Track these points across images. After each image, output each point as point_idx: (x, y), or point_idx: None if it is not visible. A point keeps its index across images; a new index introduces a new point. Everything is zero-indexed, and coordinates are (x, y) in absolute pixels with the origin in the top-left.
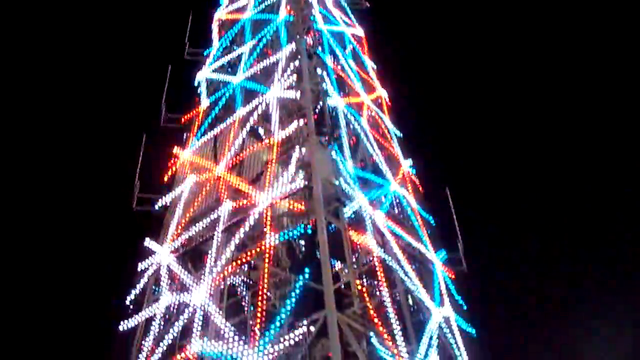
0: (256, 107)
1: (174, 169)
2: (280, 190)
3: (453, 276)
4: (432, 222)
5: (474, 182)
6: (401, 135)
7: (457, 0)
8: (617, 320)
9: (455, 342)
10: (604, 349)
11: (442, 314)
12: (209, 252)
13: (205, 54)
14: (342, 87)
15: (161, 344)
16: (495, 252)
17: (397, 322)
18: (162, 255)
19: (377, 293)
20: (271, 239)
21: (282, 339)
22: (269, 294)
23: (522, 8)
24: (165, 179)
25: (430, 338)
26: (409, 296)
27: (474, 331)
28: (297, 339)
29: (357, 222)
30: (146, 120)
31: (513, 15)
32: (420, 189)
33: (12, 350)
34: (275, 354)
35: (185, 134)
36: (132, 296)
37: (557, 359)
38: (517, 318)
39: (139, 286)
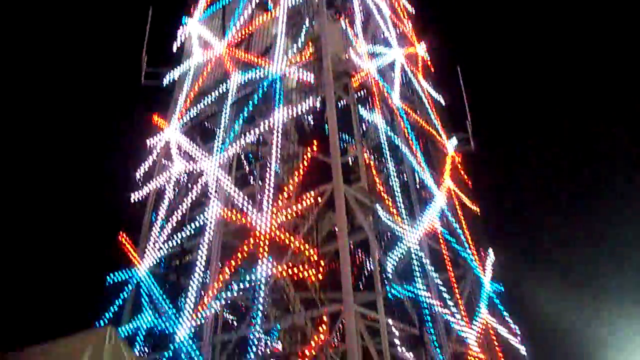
0: None
1: (181, 41)
2: (289, 62)
3: (460, 156)
4: (442, 101)
5: (485, 63)
6: (413, 11)
7: None
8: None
9: (457, 219)
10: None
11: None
12: (218, 125)
13: None
14: None
15: (172, 215)
16: (504, 134)
17: (402, 197)
18: (170, 130)
19: (384, 169)
20: (280, 114)
21: (289, 210)
22: (277, 167)
23: None
24: (174, 50)
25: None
26: (416, 173)
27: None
28: (303, 210)
29: (366, 98)
30: None
31: None
32: (432, 69)
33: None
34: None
35: (192, 5)
36: (142, 170)
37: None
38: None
39: (149, 160)
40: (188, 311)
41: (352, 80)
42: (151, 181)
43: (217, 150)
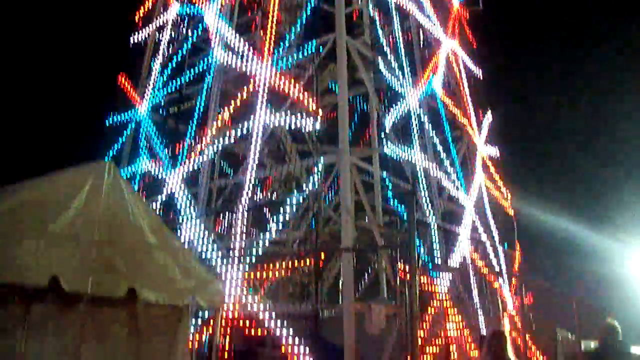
0: None
1: None
2: None
3: (467, 14)
4: None
5: None
6: None
7: None
8: None
9: (460, 77)
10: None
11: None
12: None
13: None
14: None
15: (172, 59)
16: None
17: (407, 54)
18: None
19: (389, 25)
20: None
21: (290, 57)
22: (279, 15)
23: None
24: None
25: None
26: (420, 30)
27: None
28: (304, 61)
29: None
30: None
31: None
32: None
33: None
34: (283, 72)
35: None
36: (141, 11)
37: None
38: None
39: (149, 2)
40: (183, 156)
41: None
42: (151, 24)
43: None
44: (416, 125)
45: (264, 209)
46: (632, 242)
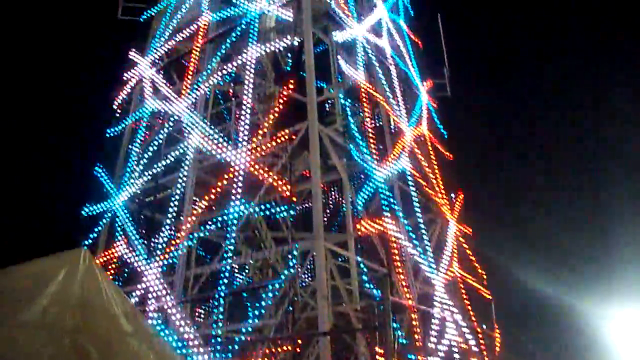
0: None
1: None
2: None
3: (435, 103)
4: (420, 46)
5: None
6: None
7: None
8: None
9: (430, 163)
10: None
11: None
12: (193, 62)
13: None
14: None
15: (148, 149)
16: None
17: (377, 140)
18: (145, 66)
19: (360, 112)
20: (256, 50)
21: (263, 147)
22: (253, 105)
23: None
24: None
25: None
26: (391, 117)
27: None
28: (278, 149)
29: (347, 45)
30: None
31: None
32: (411, 13)
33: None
34: (257, 161)
35: None
36: (118, 103)
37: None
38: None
39: (125, 94)
40: (161, 247)
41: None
42: (127, 115)
43: (193, 87)
44: (389, 208)
45: (241, 296)
46: (613, 307)
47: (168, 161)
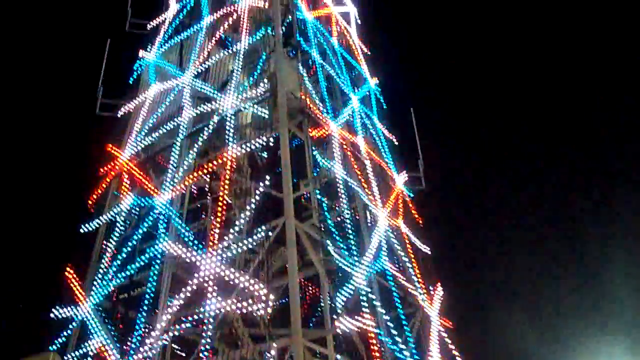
0: (224, 15)
1: (138, 73)
2: (244, 98)
3: (409, 196)
4: (395, 141)
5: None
6: (368, 52)
7: None
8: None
9: (406, 254)
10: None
11: (390, 221)
12: (171, 158)
13: None
14: (313, 1)
15: (123, 247)
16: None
17: (354, 234)
18: (123, 161)
19: (336, 207)
20: (233, 150)
21: (240, 244)
22: (229, 201)
23: None
24: (130, 82)
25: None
26: (367, 211)
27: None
28: (255, 245)
29: (320, 139)
30: (111, 26)
31: None
32: (384, 107)
33: None
34: (233, 259)
35: (150, 40)
36: (93, 198)
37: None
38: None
39: (101, 190)
40: (135, 345)
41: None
42: (102, 212)
43: (169, 184)
44: (367, 303)
45: None
46: None
47: (143, 258)
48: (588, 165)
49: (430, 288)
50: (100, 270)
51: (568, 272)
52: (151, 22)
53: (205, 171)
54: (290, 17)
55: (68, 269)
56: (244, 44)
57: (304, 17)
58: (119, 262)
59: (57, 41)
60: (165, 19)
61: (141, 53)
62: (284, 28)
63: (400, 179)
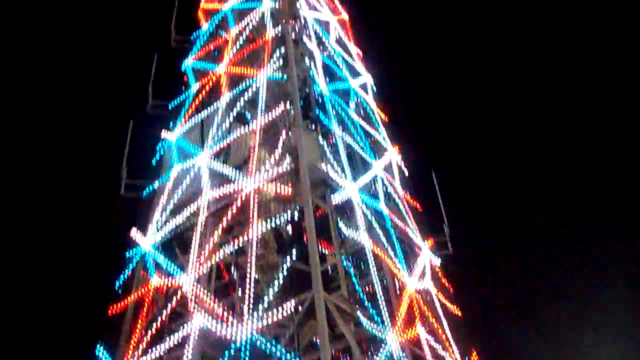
0: (243, 92)
1: (161, 154)
2: (266, 174)
3: (438, 262)
4: (419, 205)
5: (460, 166)
6: (387, 119)
7: None
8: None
9: (439, 323)
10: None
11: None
12: (196, 236)
13: (191, 39)
14: (329, 73)
15: (151, 327)
16: (482, 236)
17: (384, 304)
18: (147, 244)
19: (365, 276)
20: (258, 228)
21: (269, 319)
22: (256, 277)
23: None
24: (153, 163)
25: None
26: (395, 279)
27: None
28: (284, 320)
29: (344, 207)
30: (133, 107)
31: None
32: (406, 172)
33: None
34: (263, 334)
35: (172, 120)
36: (119, 282)
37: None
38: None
39: (126, 273)
40: None
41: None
42: (129, 294)
43: (196, 262)
44: None
45: None
46: None
47: (173, 337)
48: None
49: (465, 354)
50: (130, 351)
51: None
52: (172, 102)
53: (231, 248)
54: (307, 89)
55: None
56: (263, 119)
57: (320, 91)
58: (148, 341)
59: (82, 124)
60: (186, 98)
61: (163, 134)
62: (301, 102)
63: (426, 246)
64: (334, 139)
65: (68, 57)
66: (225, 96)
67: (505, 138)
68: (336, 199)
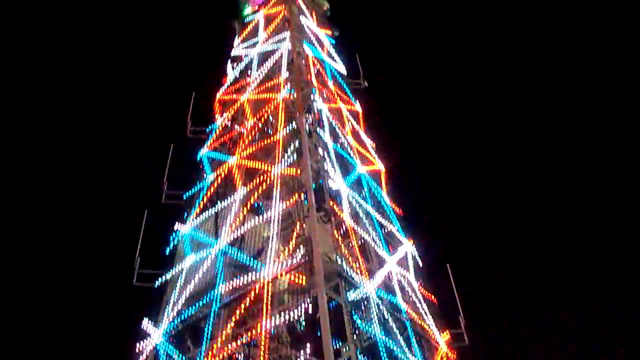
0: (258, 184)
1: (174, 244)
2: (280, 265)
3: (455, 355)
4: (433, 297)
5: (473, 257)
6: (399, 212)
7: (451, 74)
8: None
9: None
10: None
11: None
12: (209, 328)
13: (207, 131)
14: (342, 163)
15: None
16: (497, 326)
17: None
18: (158, 336)
19: None
20: (270, 320)
21: None
22: None
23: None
24: (167, 253)
25: None
26: None
27: None
28: None
29: (358, 301)
30: (148, 197)
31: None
32: (420, 264)
33: None
34: None
35: (186, 211)
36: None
37: None
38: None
39: None
40: None
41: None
42: None
43: (208, 353)
44: None
45: None
46: None
47: None
48: None
49: None
50: None
51: None
52: (186, 193)
53: (244, 340)
54: (321, 181)
55: None
56: (278, 210)
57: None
58: None
59: (97, 213)
60: (200, 189)
61: (177, 226)
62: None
63: (442, 339)
64: (348, 230)
65: (89, 145)
66: (240, 189)
67: (513, 227)
68: (351, 296)
